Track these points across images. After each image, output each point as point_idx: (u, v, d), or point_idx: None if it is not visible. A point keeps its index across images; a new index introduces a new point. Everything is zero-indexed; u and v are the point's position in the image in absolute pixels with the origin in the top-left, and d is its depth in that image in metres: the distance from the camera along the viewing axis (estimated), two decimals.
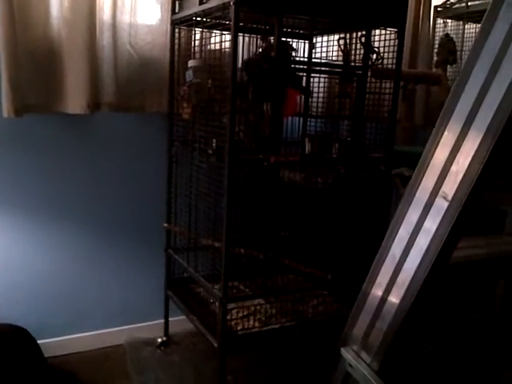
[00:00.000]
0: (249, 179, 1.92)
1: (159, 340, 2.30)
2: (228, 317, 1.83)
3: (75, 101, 1.93)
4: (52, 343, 2.15)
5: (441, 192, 1.18)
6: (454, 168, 1.16)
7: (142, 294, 2.33)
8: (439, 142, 1.21)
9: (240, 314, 1.97)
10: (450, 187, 1.16)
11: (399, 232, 1.29)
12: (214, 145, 1.75)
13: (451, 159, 1.17)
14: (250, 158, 1.73)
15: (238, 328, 1.89)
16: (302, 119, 2.24)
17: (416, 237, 1.23)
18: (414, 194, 1.27)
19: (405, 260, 1.25)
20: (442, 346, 2.24)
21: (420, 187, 1.25)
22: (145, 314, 2.35)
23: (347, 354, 1.41)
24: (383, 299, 1.30)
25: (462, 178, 1.13)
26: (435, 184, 1.20)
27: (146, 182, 2.23)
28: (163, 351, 2.26)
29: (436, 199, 1.19)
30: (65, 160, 2.08)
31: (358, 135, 1.95)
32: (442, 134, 1.21)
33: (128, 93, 2.06)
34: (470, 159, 1.13)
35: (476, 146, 1.11)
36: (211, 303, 2.05)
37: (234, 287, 2.06)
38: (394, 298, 1.27)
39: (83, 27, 1.90)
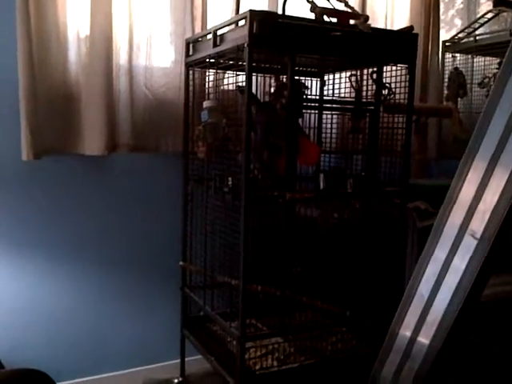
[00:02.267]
0: (265, 216, 1.92)
1: (175, 381, 2.27)
2: (246, 356, 1.81)
3: (93, 143, 1.97)
4: None
5: (469, 230, 1.17)
6: (481, 206, 1.16)
7: (157, 333, 2.31)
8: (465, 179, 1.22)
9: (258, 353, 1.94)
10: (477, 225, 1.15)
11: (427, 271, 1.28)
12: (229, 183, 1.76)
13: (478, 197, 1.17)
14: (266, 195, 1.74)
15: (257, 367, 1.87)
16: None
17: (445, 275, 1.22)
18: (441, 232, 1.26)
19: (434, 299, 1.23)
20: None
21: (447, 225, 1.25)
22: (161, 354, 2.33)
23: None
24: (412, 339, 1.28)
25: (490, 216, 1.13)
26: (463, 222, 1.20)
27: (162, 220, 2.25)
28: None
29: (464, 237, 1.19)
30: (81, 199, 2.11)
31: (372, 170, 1.96)
32: (468, 171, 1.21)
33: (144, 134, 2.10)
34: (497, 197, 1.12)
35: (503, 184, 1.11)
36: (228, 342, 2.03)
37: (251, 325, 2.04)
38: (424, 338, 1.25)
39: (100, 72, 1.95)
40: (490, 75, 2.50)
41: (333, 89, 2.24)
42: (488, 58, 2.58)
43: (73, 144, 1.98)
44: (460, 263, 1.18)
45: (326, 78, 2.28)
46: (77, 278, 2.14)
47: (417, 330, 1.27)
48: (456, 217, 1.22)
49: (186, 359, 2.29)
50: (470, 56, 2.62)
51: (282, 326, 1.96)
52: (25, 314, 2.07)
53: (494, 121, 1.16)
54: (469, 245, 1.17)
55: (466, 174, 1.21)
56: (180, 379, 2.27)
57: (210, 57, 1.88)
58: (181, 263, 2.18)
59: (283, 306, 1.93)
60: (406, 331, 1.30)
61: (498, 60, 2.48)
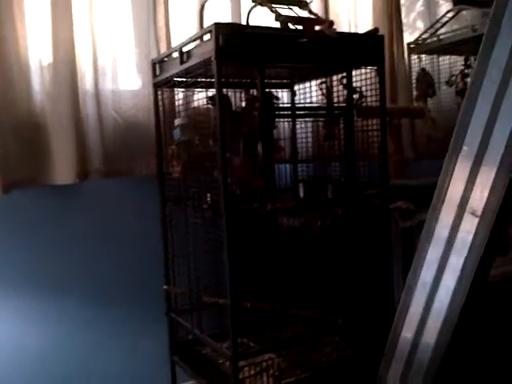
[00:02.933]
0: (247, 230, 1.89)
1: None
2: (240, 375, 1.75)
3: (63, 171, 1.92)
4: None
5: (467, 209, 1.16)
6: (477, 190, 1.14)
7: (146, 362, 2.23)
8: (453, 173, 1.20)
9: (252, 372, 1.89)
10: (477, 204, 1.14)
11: (424, 266, 1.26)
12: (208, 199, 1.73)
13: (470, 186, 1.16)
14: (247, 207, 1.71)
15: None
16: (291, 166, 2.24)
17: (444, 267, 1.20)
18: (434, 230, 1.24)
19: (437, 289, 1.21)
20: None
21: (439, 219, 1.23)
22: (151, 382, 2.25)
23: None
24: (418, 335, 1.25)
25: (489, 195, 1.12)
26: (458, 209, 1.18)
27: (142, 245, 2.19)
28: None
29: (463, 221, 1.17)
30: (55, 231, 2.04)
31: (351, 174, 1.95)
32: (453, 168, 1.20)
33: (116, 158, 2.05)
34: (489, 188, 1.11)
35: (493, 176, 1.11)
36: (220, 363, 1.98)
37: (242, 344, 1.99)
38: (431, 332, 1.22)
39: (66, 99, 1.91)
40: (457, 73, 2.53)
41: (303, 98, 2.23)
42: (453, 57, 2.61)
43: (42, 174, 1.93)
44: (456, 262, 1.16)
45: (296, 87, 2.28)
46: (61, 312, 2.06)
47: (420, 328, 1.24)
48: (449, 211, 1.20)
49: None
50: (435, 56, 2.66)
51: (274, 341, 1.91)
52: (10, 352, 1.98)
53: (475, 117, 1.16)
54: (464, 241, 1.15)
55: (452, 172, 1.20)
56: None
57: (177, 75, 1.85)
58: (165, 287, 2.12)
59: (274, 321, 1.89)
60: (408, 330, 1.28)
61: (464, 57, 2.52)
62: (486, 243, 1.11)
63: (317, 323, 1.99)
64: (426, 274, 1.25)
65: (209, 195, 1.73)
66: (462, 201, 1.17)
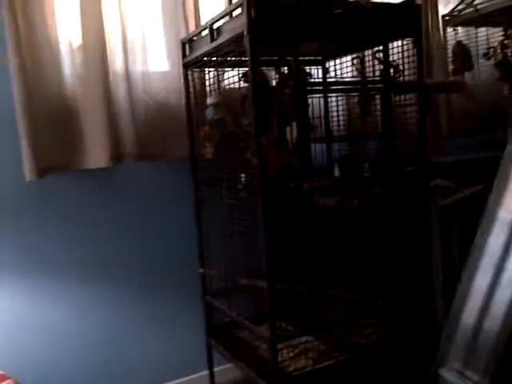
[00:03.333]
0: (283, 210, 1.86)
1: None
2: (278, 358, 1.73)
3: (96, 155, 1.91)
4: None
5: None
6: None
7: (182, 346, 2.23)
8: None
9: (290, 354, 1.87)
10: None
11: (491, 238, 1.20)
12: (242, 180, 1.70)
13: None
14: (282, 187, 1.67)
15: (291, 369, 1.79)
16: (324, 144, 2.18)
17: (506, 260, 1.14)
18: (497, 215, 1.18)
19: (507, 259, 1.16)
20: None
21: (502, 208, 1.17)
22: (188, 367, 2.25)
23: (448, 374, 1.29)
24: (485, 308, 1.21)
25: None
26: None
27: (176, 228, 2.18)
28: None
29: None
30: (91, 215, 2.05)
31: (389, 152, 1.89)
32: None
33: (148, 141, 2.03)
34: None
35: None
36: (257, 346, 1.96)
37: (280, 327, 1.97)
38: (499, 304, 1.17)
39: (97, 81, 1.89)
40: (495, 45, 2.43)
41: (335, 75, 2.17)
42: (490, 28, 2.50)
43: (76, 159, 1.92)
44: None
45: (327, 65, 2.22)
46: (97, 297, 2.08)
47: (488, 300, 1.19)
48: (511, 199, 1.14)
49: (215, 370, 2.21)
50: (471, 28, 2.55)
51: (312, 323, 1.89)
52: (52, 336, 2.00)
53: None
54: None
55: None
56: None
57: (207, 54, 1.82)
58: (200, 270, 2.11)
59: (312, 303, 1.86)
60: (474, 303, 1.23)
61: (502, 28, 2.41)
62: None
63: (355, 305, 1.95)
64: (490, 255, 1.19)
65: (243, 175, 1.70)
66: None
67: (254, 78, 1.54)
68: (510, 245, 1.14)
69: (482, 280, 1.20)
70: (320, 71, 2.22)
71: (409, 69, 1.85)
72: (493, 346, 1.16)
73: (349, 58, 2.07)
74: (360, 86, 1.98)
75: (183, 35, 2.05)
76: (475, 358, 1.22)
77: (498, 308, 1.14)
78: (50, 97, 1.86)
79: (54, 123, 1.88)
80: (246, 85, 1.64)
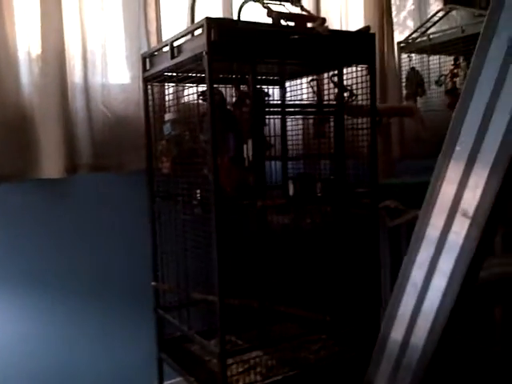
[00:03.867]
0: (236, 227, 1.88)
1: None
2: (228, 373, 1.75)
3: (51, 165, 1.89)
4: None
5: (459, 211, 1.16)
6: (471, 188, 1.15)
7: (133, 358, 2.21)
8: (445, 175, 1.20)
9: (240, 369, 1.89)
10: (469, 205, 1.14)
11: (414, 268, 1.26)
12: (198, 195, 1.72)
13: (462, 190, 1.16)
14: (237, 204, 1.70)
15: None
16: (281, 163, 2.23)
17: (433, 272, 1.20)
18: (425, 231, 1.24)
19: (426, 291, 1.22)
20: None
21: (430, 223, 1.24)
22: (138, 380, 2.23)
23: None
24: (407, 335, 1.26)
25: (481, 197, 1.12)
26: (450, 210, 1.19)
27: (130, 241, 2.17)
28: None
29: (454, 223, 1.18)
30: (43, 226, 2.02)
31: (341, 172, 1.95)
32: (446, 169, 1.20)
33: (105, 152, 2.03)
34: (481, 189, 1.12)
35: (486, 177, 1.11)
36: (208, 361, 1.97)
37: (229, 341, 1.98)
38: (420, 332, 1.23)
39: (55, 92, 1.88)
40: (447, 73, 2.55)
41: (294, 95, 2.23)
42: (443, 56, 2.63)
43: (30, 168, 1.90)
44: (447, 265, 1.16)
45: (286, 84, 2.28)
46: (44, 309, 2.04)
47: (410, 328, 1.25)
48: (440, 214, 1.21)
49: (165, 383, 2.20)
50: (424, 55, 2.67)
51: (261, 338, 1.92)
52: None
53: (470, 116, 1.16)
54: (459, 230, 1.16)
55: (445, 173, 1.20)
56: None
57: (168, 69, 1.84)
58: (153, 283, 2.11)
59: (262, 318, 1.89)
60: (398, 329, 1.28)
61: (453, 57, 2.53)
62: (477, 245, 1.11)
63: (304, 321, 1.99)
64: (416, 275, 1.25)
65: (198, 191, 1.72)
66: (454, 202, 1.17)
67: (212, 96, 1.57)
68: (436, 261, 1.20)
69: (409, 297, 1.26)
70: (279, 91, 2.28)
71: (362, 94, 1.92)
72: (417, 363, 1.22)
73: (308, 78, 2.13)
74: (315, 109, 2.03)
75: (145, 49, 2.06)
76: (401, 375, 1.28)
77: (423, 325, 1.20)
78: (5, 103, 1.84)
79: (9, 132, 1.85)
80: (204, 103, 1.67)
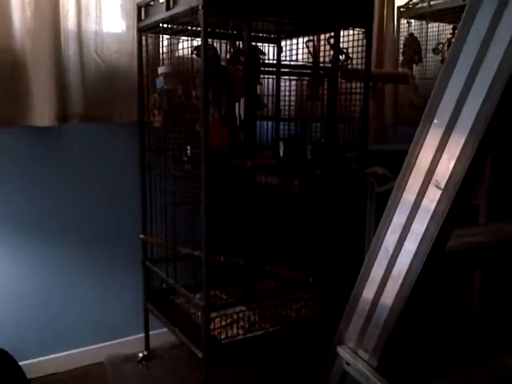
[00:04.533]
0: (225, 184, 1.90)
1: (140, 355, 2.24)
2: (211, 326, 1.80)
3: (42, 113, 1.88)
4: (31, 365, 2.07)
5: (432, 181, 1.19)
6: (444, 160, 1.17)
7: (120, 308, 2.27)
8: (424, 141, 1.22)
9: (223, 323, 1.93)
10: (441, 177, 1.17)
11: (388, 231, 1.29)
12: (188, 152, 1.72)
13: (438, 157, 1.18)
14: (226, 162, 1.71)
15: (222, 337, 1.86)
16: (273, 123, 2.23)
17: (407, 234, 1.23)
18: (401, 194, 1.27)
19: (398, 255, 1.25)
20: (419, 340, 2.26)
21: (407, 187, 1.26)
22: (124, 328, 2.30)
23: (344, 352, 1.39)
24: (377, 295, 1.30)
25: (453, 168, 1.14)
26: (424, 178, 1.21)
27: (120, 193, 2.19)
28: (145, 366, 2.21)
29: (427, 191, 1.20)
30: (34, 174, 2.02)
31: (331, 136, 1.96)
32: (427, 133, 1.21)
33: (96, 103, 2.01)
34: (458, 154, 1.13)
35: (463, 142, 1.12)
36: (193, 313, 2.02)
37: (215, 296, 2.03)
38: (389, 294, 1.27)
39: (47, 37, 1.85)
40: (444, 41, 2.52)
41: (290, 55, 2.21)
42: (442, 24, 2.60)
43: (21, 115, 1.88)
44: (420, 226, 1.20)
45: (283, 43, 2.25)
46: (34, 257, 2.07)
47: (381, 286, 1.29)
48: (416, 179, 1.23)
49: (151, 333, 2.26)
50: (424, 22, 2.64)
51: (246, 294, 1.96)
52: None
53: (450, 86, 1.16)
54: (432, 199, 1.18)
55: (425, 138, 1.21)
56: (145, 353, 2.25)
57: (163, 21, 1.81)
58: (141, 236, 2.13)
59: (247, 275, 1.93)
60: (371, 288, 1.33)
61: (452, 26, 2.50)
62: (446, 214, 1.15)
63: (288, 280, 2.03)
64: (390, 238, 1.28)
65: (189, 148, 1.72)
66: (429, 172, 1.19)
67: (206, 52, 1.55)
68: (410, 225, 1.23)
69: (381, 259, 1.29)
70: (275, 49, 2.25)
71: (358, 58, 1.90)
72: (385, 321, 1.26)
73: (305, 39, 2.11)
74: (310, 71, 2.02)
75: None
76: (368, 336, 1.33)
77: (392, 286, 1.24)
78: None
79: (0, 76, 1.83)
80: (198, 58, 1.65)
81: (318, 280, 1.95)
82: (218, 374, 1.93)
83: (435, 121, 1.20)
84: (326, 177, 1.97)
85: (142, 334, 2.25)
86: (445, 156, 1.17)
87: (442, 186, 1.16)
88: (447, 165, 1.16)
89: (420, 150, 1.23)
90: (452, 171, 1.15)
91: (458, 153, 1.13)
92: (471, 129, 1.11)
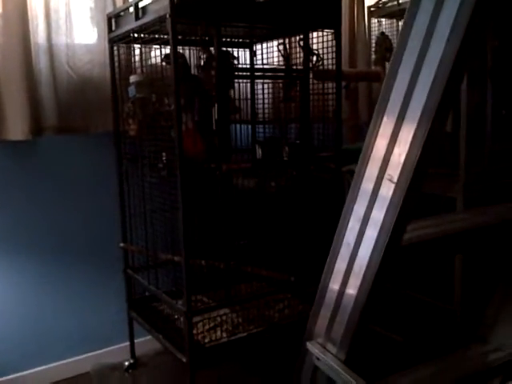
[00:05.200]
0: (202, 190, 1.91)
1: (126, 363, 2.25)
2: (194, 331, 1.81)
3: (16, 127, 1.88)
4: (14, 379, 2.06)
5: (386, 175, 1.21)
6: (395, 155, 1.19)
7: (104, 318, 2.27)
8: (378, 132, 1.24)
9: (206, 327, 1.95)
10: (394, 170, 1.19)
11: (350, 221, 1.32)
12: (164, 159, 1.73)
13: (391, 147, 1.21)
14: (202, 167, 1.73)
15: (206, 341, 1.88)
16: (250, 126, 2.25)
17: (367, 224, 1.26)
18: (360, 185, 1.29)
19: (359, 247, 1.28)
20: (404, 334, 2.29)
21: (365, 177, 1.28)
22: (109, 338, 2.30)
23: (313, 347, 1.41)
24: (342, 289, 1.32)
25: (404, 162, 1.17)
26: (379, 171, 1.23)
27: (98, 203, 2.19)
28: (131, 374, 2.22)
29: (382, 184, 1.23)
30: (10, 189, 2.02)
31: (306, 137, 1.98)
32: (380, 124, 1.24)
33: (70, 114, 2.02)
34: (408, 146, 1.16)
35: (413, 132, 1.15)
36: (176, 319, 2.03)
37: (197, 300, 2.04)
38: (352, 287, 1.29)
39: (17, 52, 1.86)
40: None
41: (262, 58, 2.23)
42: (404, 16, 2.63)
43: None
44: (380, 209, 1.22)
45: (255, 48, 2.27)
46: (13, 270, 2.06)
47: (345, 281, 1.32)
48: (373, 167, 1.25)
49: (136, 341, 2.27)
50: (394, 20, 2.67)
51: (227, 297, 1.98)
52: None
53: (398, 81, 1.19)
54: (387, 191, 1.21)
55: (379, 127, 1.24)
56: (131, 361, 2.26)
57: (133, 31, 1.82)
58: (121, 245, 2.14)
59: (228, 278, 1.94)
60: (335, 282, 1.35)
61: None
62: (400, 207, 1.18)
63: (270, 281, 2.05)
64: (351, 229, 1.31)
65: (164, 154, 1.74)
66: (383, 164, 1.22)
67: (176, 60, 1.57)
68: (367, 220, 1.26)
69: (344, 250, 1.32)
70: (248, 54, 2.27)
71: (329, 58, 1.93)
72: (348, 318, 1.29)
73: (276, 42, 2.13)
74: (283, 73, 2.04)
75: (110, 9, 2.03)
76: (335, 330, 1.35)
77: (355, 278, 1.27)
78: None
79: None
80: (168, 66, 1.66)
81: (299, 279, 1.97)
82: (204, 378, 1.94)
83: (386, 115, 1.23)
84: (303, 177, 2.00)
85: (127, 343, 2.26)
86: (396, 150, 1.19)
87: (395, 179, 1.19)
88: (398, 159, 1.19)
89: (374, 142, 1.26)
90: (403, 166, 1.18)
91: (407, 147, 1.16)
92: (418, 122, 1.14)
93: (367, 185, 1.26)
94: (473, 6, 1.05)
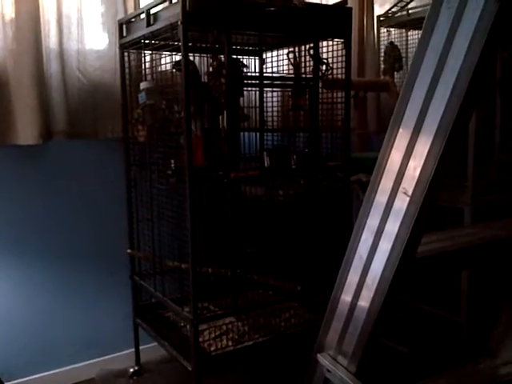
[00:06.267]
0: (210, 197, 1.91)
1: (131, 370, 2.24)
2: (200, 338, 1.80)
3: (26, 131, 1.89)
4: None
5: (401, 188, 1.21)
6: (410, 169, 1.19)
7: (109, 324, 2.27)
8: (393, 145, 1.24)
9: (212, 335, 1.94)
10: (408, 184, 1.19)
11: (363, 233, 1.31)
12: (172, 165, 1.74)
13: (406, 160, 1.20)
14: (211, 175, 1.72)
15: (212, 349, 1.87)
16: (258, 134, 2.25)
17: (380, 236, 1.26)
18: (374, 197, 1.29)
19: (372, 260, 1.27)
20: (411, 346, 2.27)
21: (379, 190, 1.28)
22: (114, 344, 2.29)
23: (324, 359, 1.40)
24: (354, 302, 1.32)
25: (420, 176, 1.16)
26: (394, 184, 1.23)
27: (106, 208, 2.19)
28: (136, 381, 2.21)
29: (396, 197, 1.22)
30: (20, 193, 2.02)
31: (315, 145, 1.98)
32: (396, 137, 1.24)
33: (80, 119, 2.03)
34: (423, 159, 1.16)
35: (428, 146, 1.15)
36: (182, 326, 2.02)
37: (204, 308, 2.04)
38: (365, 300, 1.28)
39: (29, 57, 1.87)
40: None
41: (271, 66, 2.23)
42: (421, 32, 2.63)
43: (5, 134, 1.89)
44: (394, 222, 1.22)
45: (264, 56, 2.27)
46: (22, 275, 2.06)
47: (357, 293, 1.31)
48: (387, 180, 1.25)
49: (141, 348, 2.26)
50: (403, 30, 2.68)
51: (234, 305, 1.97)
52: None
53: (418, 83, 1.19)
54: (401, 204, 1.21)
55: (394, 140, 1.23)
56: (136, 368, 2.25)
57: (144, 37, 1.83)
58: (128, 251, 2.14)
59: (235, 286, 1.94)
60: (347, 295, 1.34)
61: None
62: (415, 220, 1.17)
63: (277, 289, 2.04)
64: (364, 241, 1.30)
65: (173, 161, 1.74)
66: (397, 178, 1.22)
67: (187, 67, 1.57)
68: (381, 233, 1.25)
69: (358, 261, 1.31)
70: (257, 62, 2.28)
71: (338, 68, 1.93)
72: (361, 331, 1.28)
73: (285, 51, 2.14)
74: (292, 82, 2.04)
75: (121, 15, 2.04)
76: (346, 343, 1.34)
77: (368, 290, 1.26)
78: None
79: None
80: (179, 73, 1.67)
81: (306, 288, 1.96)
82: None
83: (401, 128, 1.23)
84: (311, 186, 1.99)
85: (133, 349, 2.25)
86: (411, 163, 1.19)
87: (410, 193, 1.18)
88: (413, 173, 1.19)
89: (389, 154, 1.26)
90: (418, 179, 1.17)
91: (423, 161, 1.16)
92: (434, 136, 1.14)
93: (381, 197, 1.26)
94: (491, 23, 1.05)
